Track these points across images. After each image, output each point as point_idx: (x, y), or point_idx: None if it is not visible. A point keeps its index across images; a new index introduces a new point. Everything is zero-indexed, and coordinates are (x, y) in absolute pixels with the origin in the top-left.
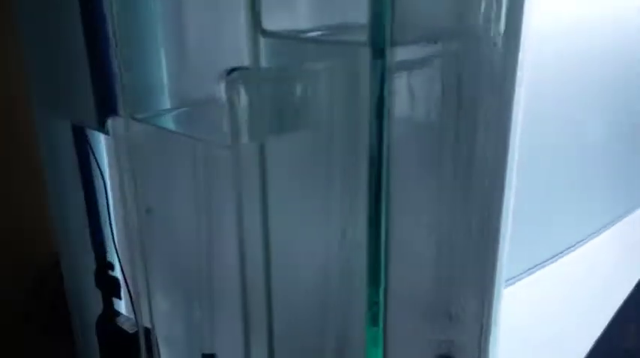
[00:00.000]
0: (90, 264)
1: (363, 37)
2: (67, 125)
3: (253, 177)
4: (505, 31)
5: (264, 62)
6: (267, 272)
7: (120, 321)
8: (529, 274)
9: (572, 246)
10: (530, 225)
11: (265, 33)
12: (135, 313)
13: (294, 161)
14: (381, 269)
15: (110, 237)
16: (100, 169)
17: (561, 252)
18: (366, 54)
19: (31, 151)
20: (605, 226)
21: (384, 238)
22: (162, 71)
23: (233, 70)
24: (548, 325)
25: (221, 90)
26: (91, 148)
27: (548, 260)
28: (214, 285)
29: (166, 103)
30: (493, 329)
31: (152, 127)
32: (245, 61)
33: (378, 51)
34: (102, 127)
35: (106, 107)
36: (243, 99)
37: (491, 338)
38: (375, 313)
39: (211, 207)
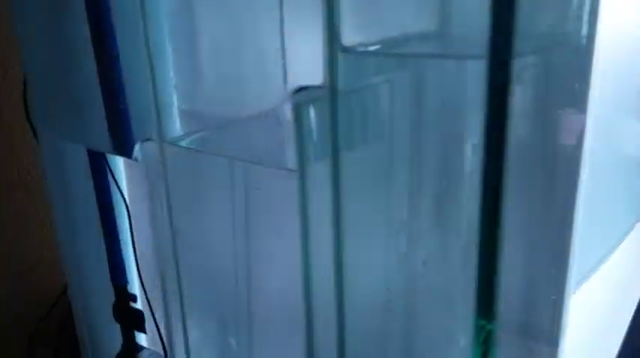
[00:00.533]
0: (104, 295)
1: (427, 48)
2: (75, 148)
3: (318, 199)
4: (587, 37)
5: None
6: (340, 298)
7: (143, 357)
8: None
9: (614, 248)
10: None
11: (345, 49)
12: (164, 348)
13: (358, 178)
14: (495, 295)
15: (134, 266)
16: (122, 195)
17: (607, 255)
18: (434, 65)
19: (32, 176)
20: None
21: (499, 262)
22: (184, 94)
23: (300, 89)
24: (593, 329)
25: (286, 110)
26: (112, 173)
27: (598, 264)
28: (254, 313)
29: (185, 126)
30: (562, 338)
31: (192, 151)
32: (269, 78)
33: (499, 64)
34: (118, 151)
35: (120, 130)
36: (312, 120)
37: (560, 346)
38: (487, 340)
39: (253, 231)
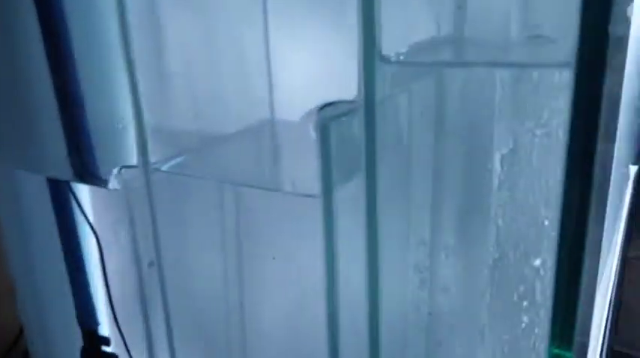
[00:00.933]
0: (70, 339)
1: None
2: (31, 177)
3: (343, 226)
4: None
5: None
6: (375, 327)
7: None
8: None
9: None
10: None
11: (384, 60)
12: None
13: (391, 196)
14: (575, 321)
15: (105, 305)
16: (91, 226)
17: None
18: (454, 74)
19: None
20: None
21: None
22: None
23: (326, 105)
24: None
25: (309, 129)
26: (78, 203)
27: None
28: (247, 345)
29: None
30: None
31: (181, 177)
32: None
33: (590, 72)
34: (81, 178)
35: (82, 156)
36: (340, 139)
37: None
38: None
39: (245, 258)
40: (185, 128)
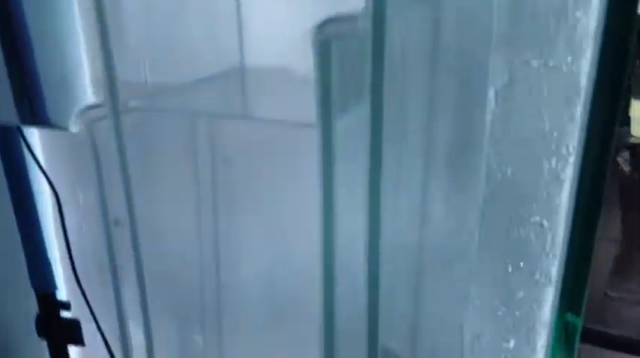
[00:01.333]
0: (23, 303)
1: None
2: None
3: (342, 158)
4: None
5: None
6: (375, 270)
7: None
8: None
9: None
10: None
11: None
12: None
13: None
14: (585, 286)
15: (64, 266)
16: (46, 176)
17: None
18: None
19: None
20: None
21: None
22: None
23: (326, 22)
24: None
25: (304, 51)
26: (31, 151)
27: None
28: (223, 300)
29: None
30: None
31: (150, 115)
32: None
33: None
34: (29, 121)
35: (29, 97)
36: (340, 60)
37: None
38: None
39: (223, 204)
40: (150, 75)
